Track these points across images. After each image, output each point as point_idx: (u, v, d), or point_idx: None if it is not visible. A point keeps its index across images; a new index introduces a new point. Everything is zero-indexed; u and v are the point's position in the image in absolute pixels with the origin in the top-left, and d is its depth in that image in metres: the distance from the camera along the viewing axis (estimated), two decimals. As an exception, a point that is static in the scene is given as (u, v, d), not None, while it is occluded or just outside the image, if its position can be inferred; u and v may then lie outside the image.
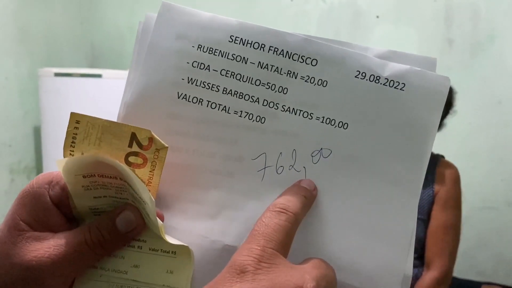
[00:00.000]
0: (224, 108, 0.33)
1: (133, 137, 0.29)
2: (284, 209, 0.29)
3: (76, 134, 0.29)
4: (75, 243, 0.28)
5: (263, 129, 0.33)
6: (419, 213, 1.28)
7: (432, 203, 1.30)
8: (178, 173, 0.33)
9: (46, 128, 2.17)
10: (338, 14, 2.13)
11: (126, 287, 0.30)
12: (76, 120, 0.29)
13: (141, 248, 0.31)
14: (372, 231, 0.32)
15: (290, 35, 0.33)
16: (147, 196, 0.28)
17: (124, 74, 2.02)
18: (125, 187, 0.30)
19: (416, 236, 1.18)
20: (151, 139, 0.30)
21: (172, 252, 0.30)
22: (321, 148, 0.32)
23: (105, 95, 2.09)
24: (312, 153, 0.33)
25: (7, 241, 0.28)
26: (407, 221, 0.33)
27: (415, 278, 1.29)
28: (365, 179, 0.33)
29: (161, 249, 0.30)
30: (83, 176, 0.29)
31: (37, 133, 2.30)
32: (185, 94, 0.33)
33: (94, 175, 0.30)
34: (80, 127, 0.29)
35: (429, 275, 1.27)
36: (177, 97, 0.33)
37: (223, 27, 0.33)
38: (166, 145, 0.30)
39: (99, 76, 2.04)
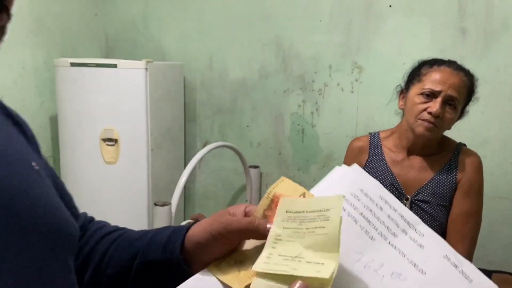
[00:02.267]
0: (368, 220, 0.53)
1: (304, 193, 0.55)
2: None
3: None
4: (246, 220, 0.53)
5: (378, 245, 0.50)
6: (441, 199, 1.30)
7: (454, 190, 1.31)
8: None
9: (62, 117, 2.22)
10: (350, 3, 2.13)
11: (288, 278, 0.45)
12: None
13: (300, 261, 0.46)
14: None
15: (414, 216, 0.53)
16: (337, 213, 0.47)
17: (138, 64, 2.05)
18: (308, 217, 0.49)
19: (438, 222, 1.24)
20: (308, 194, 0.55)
21: (321, 263, 0.44)
22: (401, 274, 0.47)
23: (120, 85, 2.12)
24: (393, 272, 0.47)
25: (215, 215, 0.56)
26: None
27: None
28: None
29: (314, 261, 0.45)
30: (286, 211, 0.51)
31: (53, 122, 2.35)
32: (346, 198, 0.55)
33: (292, 211, 0.50)
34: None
35: None
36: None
37: (381, 192, 0.55)
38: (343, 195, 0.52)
39: (114, 66, 2.07)
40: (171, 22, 2.56)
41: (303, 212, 0.50)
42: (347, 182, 0.55)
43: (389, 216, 0.52)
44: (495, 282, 1.66)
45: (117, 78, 2.08)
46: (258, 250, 0.52)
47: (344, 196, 0.48)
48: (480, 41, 1.93)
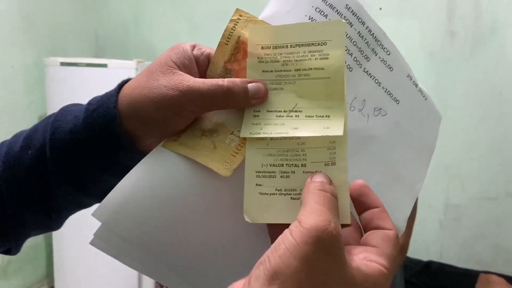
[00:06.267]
0: None
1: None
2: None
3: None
4: (210, 84, 0.35)
5: (355, 77, 0.41)
6: None
7: None
8: None
9: (51, 117, 2.20)
10: (341, 6, 2.14)
11: (288, 143, 0.35)
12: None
13: (298, 117, 0.35)
14: (395, 175, 0.44)
15: (379, 27, 0.44)
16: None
17: (129, 64, 2.04)
18: (295, 54, 0.36)
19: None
20: None
21: (326, 115, 0.35)
22: (381, 108, 0.43)
23: (110, 85, 2.10)
24: (375, 108, 0.43)
25: (156, 71, 0.36)
26: (420, 174, 0.47)
27: None
28: (401, 142, 0.44)
29: (316, 115, 0.35)
30: (261, 47, 0.37)
31: (42, 122, 2.33)
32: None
33: (270, 47, 0.37)
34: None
35: None
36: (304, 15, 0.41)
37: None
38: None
39: (104, 65, 2.06)
40: (162, 22, 2.55)
41: (287, 46, 0.36)
42: None
43: (359, 34, 0.41)
44: (483, 282, 1.69)
45: (108, 78, 2.07)
46: (234, 110, 0.37)
47: (345, 23, 0.36)
48: (469, 44, 1.95)
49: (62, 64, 2.10)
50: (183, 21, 2.49)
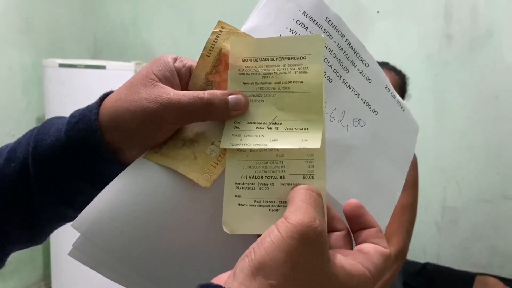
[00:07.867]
0: None
1: None
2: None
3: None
4: (191, 97, 0.35)
5: (335, 88, 0.42)
6: None
7: None
8: None
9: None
10: (339, 9, 2.13)
11: (267, 155, 0.36)
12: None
13: (277, 129, 0.36)
14: (374, 184, 0.44)
15: (357, 38, 0.44)
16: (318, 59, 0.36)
17: (127, 65, 2.05)
18: (275, 67, 0.37)
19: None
20: None
21: (305, 128, 0.35)
22: (360, 119, 0.43)
23: (109, 86, 2.09)
24: (354, 119, 0.43)
25: (138, 83, 0.37)
26: (398, 183, 0.48)
27: None
28: (380, 152, 0.45)
29: (295, 128, 0.36)
30: (242, 59, 0.37)
31: (40, 123, 2.32)
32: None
33: (251, 59, 0.37)
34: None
35: None
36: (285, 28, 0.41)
37: (325, 12, 0.42)
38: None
39: (103, 67, 2.06)
40: (161, 23, 2.56)
41: (268, 59, 0.37)
42: (287, 6, 0.40)
43: (339, 46, 0.42)
44: (479, 284, 1.69)
45: (106, 80, 2.07)
46: (216, 122, 0.37)
47: (324, 38, 0.37)
48: (466, 47, 1.96)
49: (61, 65, 2.10)
50: (182, 23, 2.50)
